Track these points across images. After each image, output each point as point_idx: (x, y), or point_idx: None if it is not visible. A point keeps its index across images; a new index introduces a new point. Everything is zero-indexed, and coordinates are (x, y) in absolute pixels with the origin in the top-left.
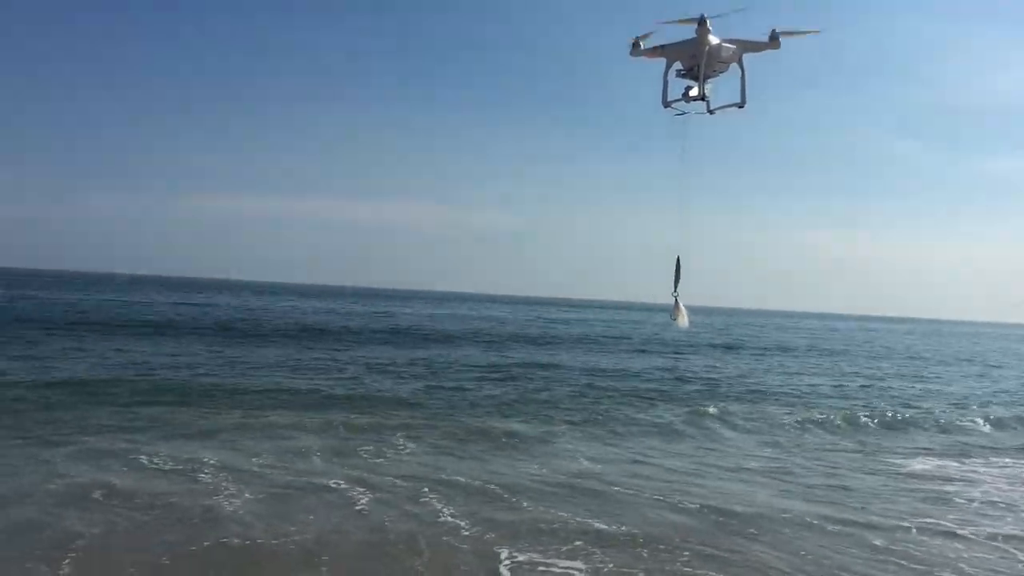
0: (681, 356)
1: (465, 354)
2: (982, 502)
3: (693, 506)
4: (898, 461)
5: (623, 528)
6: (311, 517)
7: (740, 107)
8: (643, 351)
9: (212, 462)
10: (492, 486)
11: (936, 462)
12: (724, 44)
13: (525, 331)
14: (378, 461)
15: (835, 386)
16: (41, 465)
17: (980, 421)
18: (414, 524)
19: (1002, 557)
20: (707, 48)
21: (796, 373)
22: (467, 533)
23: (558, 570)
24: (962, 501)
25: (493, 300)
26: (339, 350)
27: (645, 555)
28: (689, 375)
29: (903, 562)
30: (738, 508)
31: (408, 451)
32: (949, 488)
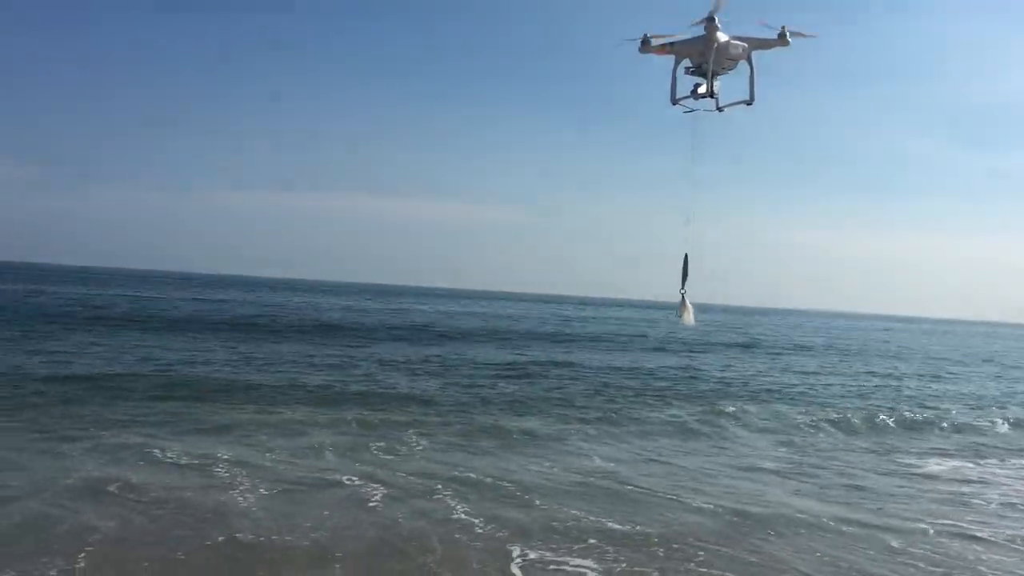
0: (696, 355)
1: (479, 351)
2: (1000, 504)
3: (708, 506)
4: (915, 462)
5: (637, 528)
6: (325, 513)
7: (749, 104)
8: (659, 350)
9: (226, 457)
10: (505, 483)
11: (953, 463)
12: (733, 41)
13: (540, 328)
14: (391, 458)
15: (851, 386)
16: (58, 459)
17: (998, 422)
18: (427, 521)
19: (1023, 560)
20: (716, 45)
21: (812, 372)
22: (480, 530)
23: (570, 568)
24: (980, 503)
25: (508, 297)
26: (353, 347)
27: (660, 554)
28: (704, 374)
29: (921, 564)
30: (753, 508)
31: (421, 448)
32: (966, 489)
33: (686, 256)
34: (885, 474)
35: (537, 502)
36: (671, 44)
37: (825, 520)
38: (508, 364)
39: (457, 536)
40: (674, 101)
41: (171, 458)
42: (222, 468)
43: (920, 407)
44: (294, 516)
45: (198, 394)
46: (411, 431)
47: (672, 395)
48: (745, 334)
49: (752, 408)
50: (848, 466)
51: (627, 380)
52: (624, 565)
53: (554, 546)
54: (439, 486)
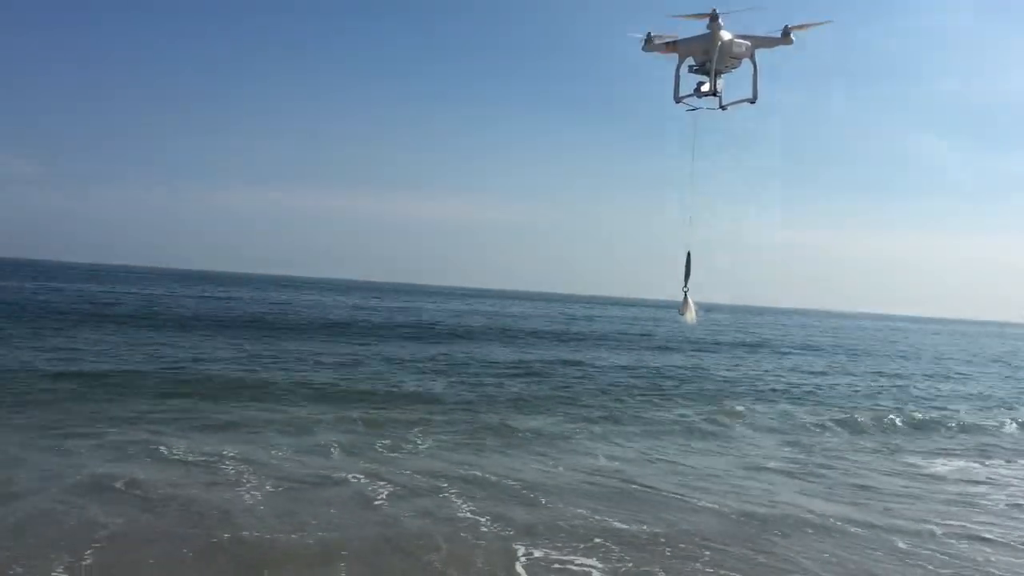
0: (703, 354)
1: (486, 350)
2: (1008, 504)
3: (714, 505)
4: (922, 462)
5: (643, 527)
6: (331, 511)
7: (752, 102)
8: (665, 349)
9: (232, 455)
10: (510, 482)
11: (960, 463)
12: (736, 40)
13: (546, 327)
14: (397, 456)
15: (858, 386)
16: (65, 456)
17: (1006, 422)
18: (432, 519)
19: None
20: (719, 44)
21: (820, 372)
22: (485, 529)
23: (575, 567)
24: (987, 503)
25: (514, 296)
26: (360, 344)
27: (666, 554)
28: (711, 373)
29: (929, 566)
30: (760, 508)
31: (427, 446)
32: (973, 490)
33: (688, 254)
34: (892, 474)
35: (542, 501)
36: (675, 42)
37: (832, 520)
38: (514, 363)
39: (462, 535)
40: (677, 99)
41: (177, 455)
42: (228, 466)
43: (927, 407)
44: (300, 514)
45: (204, 391)
46: (417, 429)
47: (678, 394)
48: (751, 333)
49: (759, 408)
50: (855, 466)
51: (633, 379)
52: (630, 565)
53: (559, 545)
54: (445, 484)
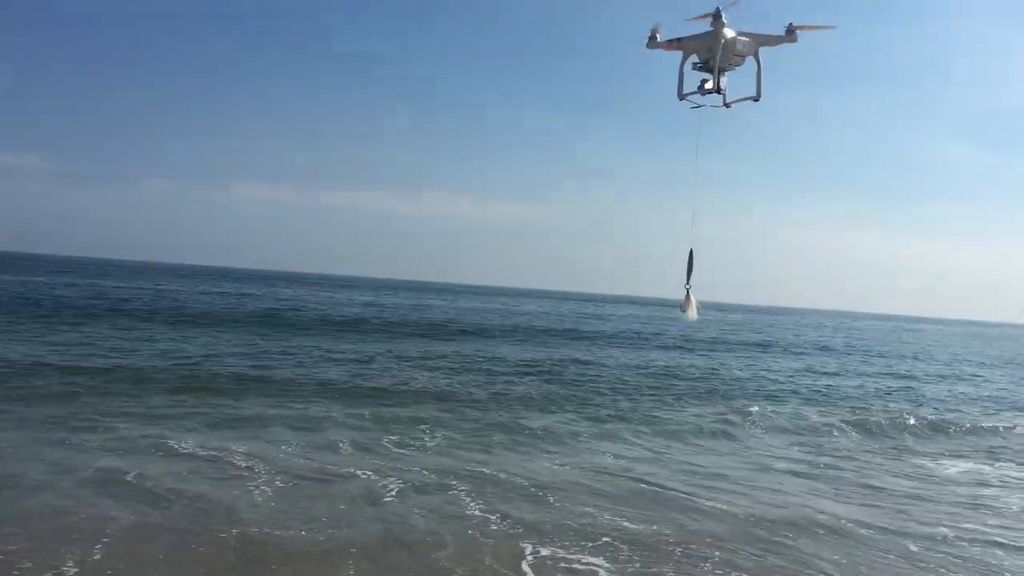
0: (715, 353)
1: (497, 348)
2: (1020, 508)
3: (725, 506)
4: (933, 464)
5: (653, 527)
6: (341, 507)
7: (755, 100)
8: (676, 348)
9: (242, 451)
10: (519, 480)
11: (972, 466)
12: (739, 37)
13: (558, 326)
14: (406, 453)
15: (871, 386)
16: (75, 451)
17: (1018, 425)
18: (440, 516)
19: None
20: (723, 41)
21: (832, 373)
22: (492, 527)
23: (581, 566)
24: (999, 506)
25: (525, 294)
26: (370, 341)
27: (676, 554)
28: (722, 373)
29: (942, 570)
30: (771, 509)
31: (436, 443)
32: (985, 493)
33: (691, 252)
34: (903, 476)
35: (551, 499)
36: (678, 40)
37: (843, 522)
38: (523, 361)
39: (470, 532)
40: (681, 96)
41: (187, 450)
42: (237, 461)
43: (939, 409)
44: (308, 510)
45: (215, 387)
46: (426, 426)
47: (689, 394)
48: (763, 333)
49: (770, 408)
50: (866, 467)
51: (644, 378)
52: (637, 565)
53: (567, 543)
54: (453, 482)
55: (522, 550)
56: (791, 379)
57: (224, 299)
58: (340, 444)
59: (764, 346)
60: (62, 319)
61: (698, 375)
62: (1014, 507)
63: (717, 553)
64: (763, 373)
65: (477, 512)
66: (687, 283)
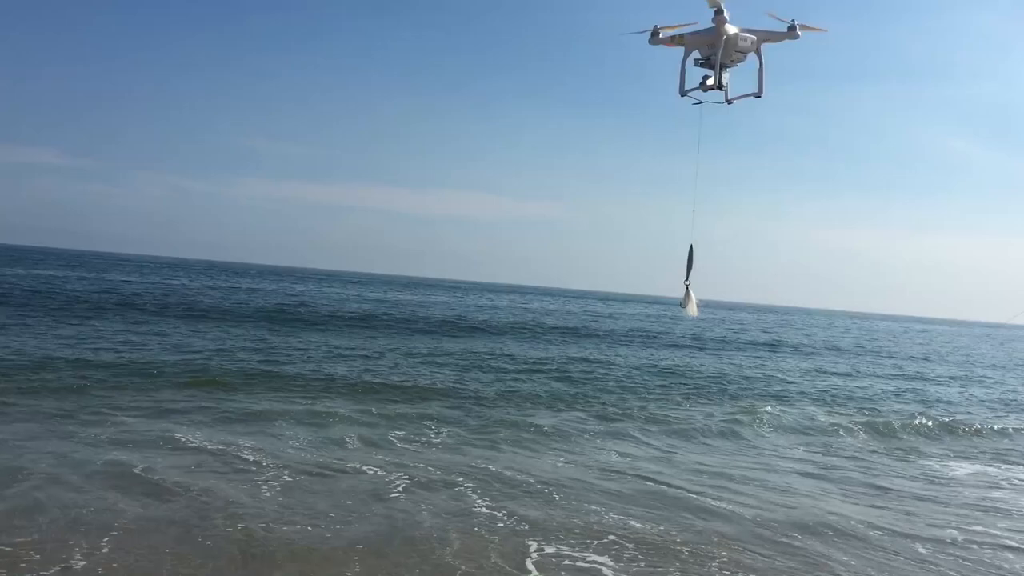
0: (725, 353)
1: (505, 346)
2: None
3: (732, 506)
4: (942, 466)
5: (660, 527)
6: (347, 503)
7: (757, 97)
8: (685, 347)
9: (249, 445)
10: (526, 477)
11: (981, 468)
12: (742, 34)
13: (566, 323)
14: (413, 449)
15: (881, 388)
16: (83, 444)
17: None
18: (446, 513)
19: None
20: (724, 37)
21: (842, 373)
22: (498, 524)
23: (585, 564)
24: (1009, 509)
25: (534, 292)
26: (380, 338)
27: (684, 553)
28: (731, 373)
29: (952, 573)
30: (779, 510)
31: (443, 440)
32: (995, 495)
33: (691, 247)
34: (912, 478)
35: (556, 497)
36: (680, 36)
37: (852, 524)
38: (533, 358)
39: (476, 529)
40: (682, 93)
41: (194, 444)
42: (245, 456)
43: (949, 410)
44: (314, 505)
45: (223, 382)
46: (433, 423)
47: (698, 393)
48: (773, 333)
49: (779, 408)
50: (875, 468)
51: (652, 377)
52: (643, 564)
53: (572, 541)
54: (460, 479)
55: (527, 548)
56: (800, 379)
57: (234, 294)
58: (347, 440)
59: (774, 346)
60: (73, 312)
61: (707, 374)
62: None
63: (724, 553)
64: (772, 373)
65: (483, 509)
66: (687, 279)
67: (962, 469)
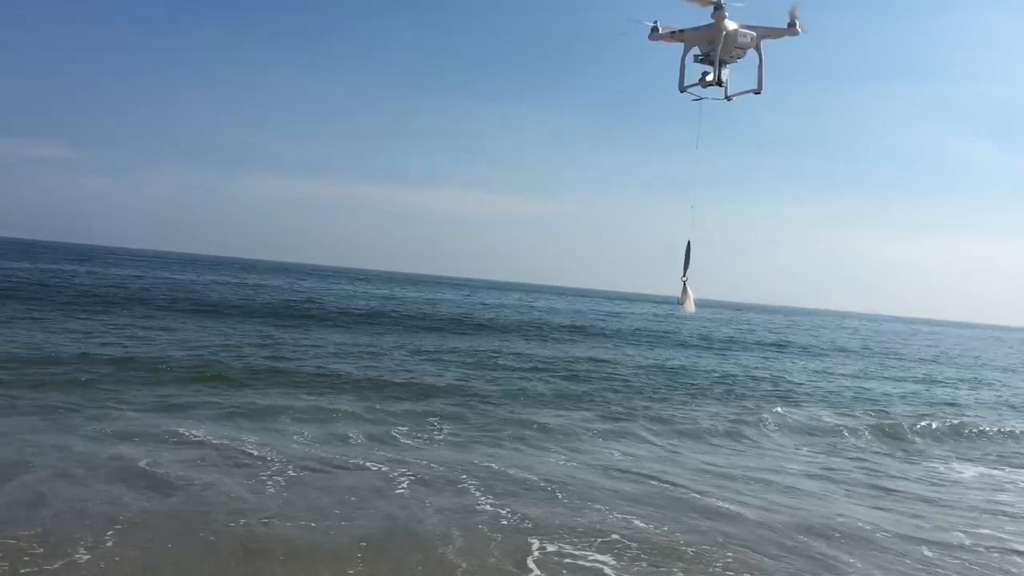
0: (731, 353)
1: (511, 344)
2: None
3: (736, 507)
4: (949, 468)
5: (664, 527)
6: (350, 499)
7: (757, 93)
8: (691, 346)
9: (253, 441)
10: (529, 476)
11: (988, 471)
12: (741, 30)
13: (571, 322)
14: (417, 447)
15: (888, 390)
16: (89, 439)
17: None
18: (449, 511)
19: None
20: (724, 33)
21: (849, 375)
22: (500, 522)
23: (587, 564)
24: (1017, 512)
25: (539, 290)
26: (386, 335)
27: (686, 554)
28: (739, 373)
29: None
30: (783, 512)
31: (447, 438)
32: (1002, 497)
33: (688, 244)
34: (919, 480)
35: (560, 496)
36: (680, 31)
37: (858, 526)
38: (538, 357)
39: (479, 527)
40: (682, 89)
41: (199, 439)
42: (249, 451)
43: (957, 413)
44: (317, 501)
45: (229, 378)
46: (437, 420)
47: (704, 393)
48: (780, 333)
49: (785, 409)
50: (882, 470)
51: (658, 377)
52: (645, 564)
53: (575, 540)
54: (463, 476)
55: (529, 546)
56: (807, 380)
57: (241, 290)
58: (351, 436)
59: (781, 346)
60: (81, 307)
61: (714, 375)
62: None
63: (729, 554)
64: (779, 374)
65: (486, 507)
66: (684, 276)
67: (968, 472)
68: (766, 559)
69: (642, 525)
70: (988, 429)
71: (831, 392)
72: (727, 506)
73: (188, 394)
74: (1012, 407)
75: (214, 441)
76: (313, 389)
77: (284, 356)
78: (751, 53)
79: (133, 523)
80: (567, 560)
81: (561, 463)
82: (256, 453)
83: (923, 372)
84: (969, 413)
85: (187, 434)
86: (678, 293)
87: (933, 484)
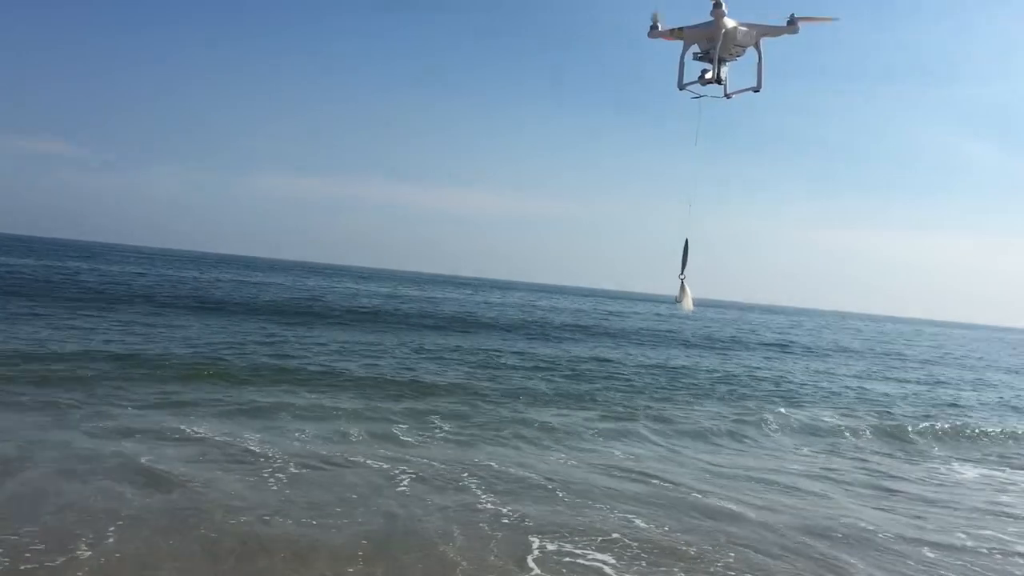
0: (733, 353)
1: (513, 343)
2: None
3: (738, 508)
4: (951, 470)
5: (664, 527)
6: (351, 497)
7: (756, 91)
8: (693, 347)
9: (255, 438)
10: (531, 475)
11: (991, 472)
12: (740, 27)
13: (575, 321)
14: (418, 445)
15: (891, 390)
16: (90, 436)
17: None
18: (449, 510)
19: None
20: (723, 31)
21: (852, 375)
22: (500, 521)
23: (586, 563)
24: (1020, 514)
25: (542, 289)
26: (388, 333)
27: (691, 554)
28: (741, 373)
29: None
30: (785, 513)
31: (449, 437)
32: (1005, 499)
33: (686, 242)
34: (921, 482)
35: (561, 494)
36: (680, 29)
37: (860, 526)
38: (541, 356)
39: (480, 525)
40: (681, 86)
41: (200, 436)
42: (250, 449)
43: (962, 414)
44: (317, 499)
45: (231, 375)
46: (438, 419)
47: (707, 393)
48: (783, 334)
49: (787, 409)
50: (884, 471)
51: (660, 377)
52: (645, 563)
53: (575, 539)
54: (464, 475)
55: (529, 544)
56: (809, 380)
57: (244, 287)
58: (352, 434)
59: (784, 347)
60: (84, 303)
61: (716, 375)
62: None
63: (730, 554)
64: (781, 374)
65: (487, 506)
66: (681, 274)
67: (970, 473)
68: (767, 559)
69: (643, 524)
70: (990, 430)
71: (833, 392)
72: (729, 506)
73: (190, 391)
74: (1014, 408)
75: (215, 438)
76: (315, 387)
77: (286, 354)
78: (750, 51)
79: (134, 519)
80: (567, 559)
81: (562, 462)
82: (257, 450)
83: (925, 373)
84: (971, 414)
85: (188, 431)
86: (676, 292)
87: (935, 485)
